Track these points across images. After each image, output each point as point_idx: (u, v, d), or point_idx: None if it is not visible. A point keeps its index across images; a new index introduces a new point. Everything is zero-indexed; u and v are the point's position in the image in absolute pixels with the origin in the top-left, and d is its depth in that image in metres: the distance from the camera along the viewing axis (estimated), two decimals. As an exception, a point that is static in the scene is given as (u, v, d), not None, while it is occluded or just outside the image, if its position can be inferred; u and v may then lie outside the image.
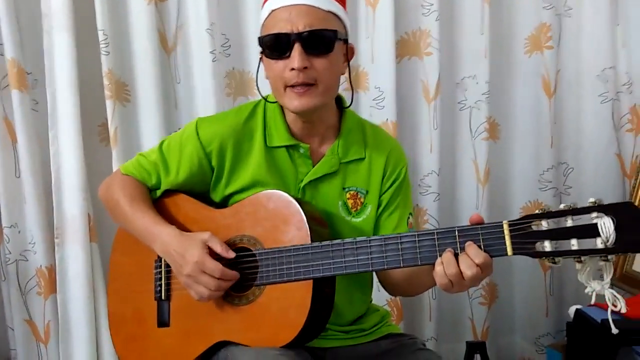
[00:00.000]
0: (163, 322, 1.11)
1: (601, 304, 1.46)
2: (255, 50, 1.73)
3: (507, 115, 1.91)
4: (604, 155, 1.86)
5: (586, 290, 0.81)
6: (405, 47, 1.82)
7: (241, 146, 1.10)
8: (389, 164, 1.15)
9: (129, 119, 1.69)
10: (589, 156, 1.88)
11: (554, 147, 1.86)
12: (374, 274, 1.17)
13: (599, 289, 0.79)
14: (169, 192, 1.15)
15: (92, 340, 1.66)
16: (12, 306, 1.69)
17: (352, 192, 1.13)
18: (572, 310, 1.45)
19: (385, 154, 1.15)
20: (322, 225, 1.06)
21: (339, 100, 1.16)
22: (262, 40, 1.04)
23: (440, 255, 0.89)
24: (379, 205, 1.14)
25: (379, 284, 1.80)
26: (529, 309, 1.96)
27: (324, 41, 1.01)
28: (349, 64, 1.10)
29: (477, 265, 0.86)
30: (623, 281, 1.62)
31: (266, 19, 1.05)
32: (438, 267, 0.89)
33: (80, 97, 1.62)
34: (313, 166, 1.11)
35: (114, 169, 1.64)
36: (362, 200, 1.13)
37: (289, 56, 1.00)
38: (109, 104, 1.64)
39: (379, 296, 1.75)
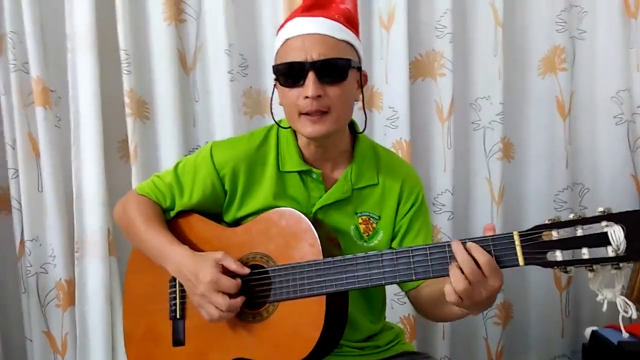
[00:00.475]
0: (178, 341, 1.11)
1: (617, 325, 1.46)
2: (271, 69, 1.79)
3: (522, 136, 1.91)
4: (619, 176, 1.86)
5: (598, 298, 0.81)
6: (419, 68, 1.84)
7: (254, 171, 1.12)
8: (404, 189, 1.15)
9: (148, 136, 1.73)
10: (605, 177, 1.88)
11: (569, 168, 1.86)
12: (404, 295, 1.18)
13: (611, 297, 0.79)
14: (182, 213, 1.17)
15: (108, 353, 1.69)
16: (32, 318, 1.72)
17: (364, 217, 1.13)
18: (588, 331, 1.44)
19: (400, 179, 1.15)
20: (334, 243, 1.07)
21: (351, 125, 1.17)
22: (276, 69, 1.06)
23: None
24: (396, 232, 1.14)
25: (392, 301, 1.83)
26: (544, 329, 1.94)
27: (338, 70, 1.02)
28: (362, 91, 1.11)
29: (480, 268, 0.84)
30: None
31: (280, 47, 1.06)
32: (447, 285, 0.87)
33: (102, 114, 1.67)
34: (325, 191, 1.12)
35: (133, 185, 1.69)
36: (374, 225, 1.14)
37: (302, 84, 1.01)
38: (129, 121, 1.68)
39: (393, 314, 1.77)
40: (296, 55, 1.01)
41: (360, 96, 1.11)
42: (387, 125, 1.81)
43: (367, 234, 1.13)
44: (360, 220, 1.13)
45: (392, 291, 1.84)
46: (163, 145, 1.74)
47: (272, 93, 1.12)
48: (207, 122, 1.78)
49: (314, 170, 1.11)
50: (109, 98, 1.71)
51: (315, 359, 1.00)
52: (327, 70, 1.01)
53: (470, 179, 1.92)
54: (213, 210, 1.16)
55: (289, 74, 1.03)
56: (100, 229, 1.67)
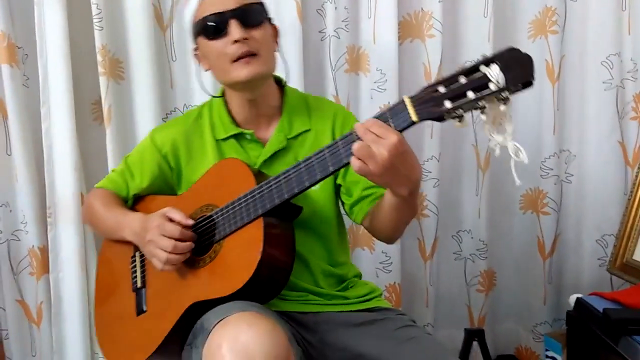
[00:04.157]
0: (141, 309, 1.12)
1: (602, 293, 1.46)
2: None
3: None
4: (606, 143, 1.84)
5: (490, 144, 0.83)
6: (407, 29, 1.78)
7: (192, 144, 1.20)
8: (336, 124, 1.20)
9: (123, 97, 1.64)
10: (592, 144, 1.85)
11: (557, 134, 1.83)
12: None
13: (502, 141, 0.82)
14: (139, 198, 1.25)
15: (84, 321, 1.64)
16: (4, 286, 1.66)
17: None
18: (572, 298, 1.44)
19: (330, 119, 1.20)
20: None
21: (279, 81, 1.23)
22: (198, 25, 1.11)
23: None
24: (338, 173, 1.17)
25: (377, 269, 1.82)
26: (526, 297, 1.94)
27: (256, 14, 1.11)
28: (278, 43, 1.19)
29: (372, 131, 0.87)
30: (623, 270, 1.60)
31: (197, 9, 1.12)
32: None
33: (73, 73, 1.57)
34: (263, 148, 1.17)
35: (108, 148, 1.62)
36: None
37: (227, 33, 1.07)
38: (102, 80, 1.59)
39: (378, 282, 1.76)
40: (215, 8, 1.08)
41: (276, 46, 1.18)
42: (374, 88, 1.75)
43: None
44: None
45: (377, 259, 1.82)
46: (139, 107, 1.66)
47: (197, 66, 1.19)
48: (185, 83, 1.70)
49: (246, 131, 1.17)
50: (80, 56, 1.61)
51: (265, 289, 1.00)
52: (247, 16, 1.08)
53: (456, 145, 1.88)
54: (167, 191, 1.23)
55: (212, 26, 1.09)
56: (73, 194, 1.60)
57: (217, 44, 1.09)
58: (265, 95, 1.17)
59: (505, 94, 0.79)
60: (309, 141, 1.18)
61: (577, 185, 1.88)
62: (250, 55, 1.08)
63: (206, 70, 1.18)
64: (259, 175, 1.07)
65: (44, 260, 1.65)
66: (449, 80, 0.83)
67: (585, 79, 1.84)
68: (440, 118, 0.84)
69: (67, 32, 1.55)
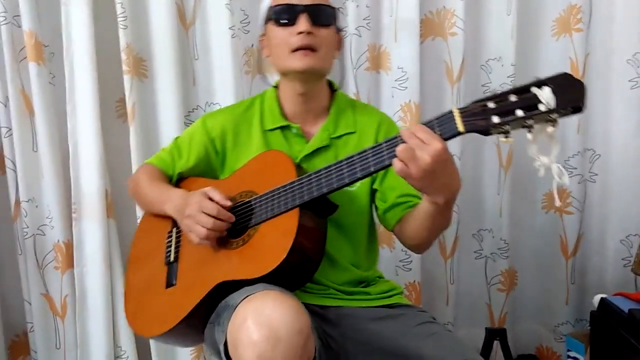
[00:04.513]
0: (170, 283, 1.13)
1: (627, 293, 1.44)
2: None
3: (533, 99, 1.85)
4: (631, 142, 1.81)
5: (535, 164, 0.84)
6: (429, 27, 1.77)
7: (240, 132, 1.23)
8: (380, 131, 1.22)
9: (146, 95, 1.66)
10: (617, 143, 1.83)
11: (581, 133, 1.80)
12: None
13: (547, 163, 0.83)
14: (182, 179, 1.28)
15: (108, 315, 1.67)
16: (30, 280, 1.69)
17: None
18: (596, 299, 1.42)
19: (375, 123, 1.23)
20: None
21: (330, 85, 1.26)
22: (271, 11, 1.16)
23: None
24: (376, 176, 1.19)
25: (397, 267, 1.81)
26: (548, 296, 1.92)
27: (327, 15, 1.15)
28: (339, 51, 1.23)
29: (417, 136, 0.89)
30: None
31: None
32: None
33: (98, 71, 1.60)
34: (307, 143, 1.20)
35: (132, 145, 1.64)
36: None
37: (294, 24, 1.12)
38: (126, 79, 1.61)
39: (398, 280, 1.76)
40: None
41: (337, 54, 1.23)
42: (394, 87, 1.75)
43: None
44: None
45: (397, 258, 1.81)
46: (162, 105, 1.67)
47: (260, 53, 1.21)
48: (207, 81, 1.71)
49: (293, 125, 1.20)
50: (105, 54, 1.63)
51: (292, 278, 1.01)
52: (318, 14, 1.13)
53: (479, 144, 1.86)
54: (210, 175, 1.26)
55: (284, 14, 1.13)
56: (97, 191, 1.62)
57: (283, 32, 1.13)
58: (316, 93, 1.21)
59: (554, 115, 0.80)
60: (351, 143, 1.20)
61: (601, 185, 1.86)
62: (310, 49, 1.12)
63: (266, 57, 1.21)
64: (298, 168, 1.10)
65: (68, 255, 1.67)
66: (499, 97, 0.84)
67: (610, 77, 1.81)
68: (486, 131, 0.86)
69: (92, 31, 1.57)
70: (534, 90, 0.81)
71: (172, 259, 1.16)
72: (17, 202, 1.67)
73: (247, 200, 1.11)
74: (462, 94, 1.77)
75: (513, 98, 0.83)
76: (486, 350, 1.63)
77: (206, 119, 1.27)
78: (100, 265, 1.65)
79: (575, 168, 1.82)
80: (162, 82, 1.66)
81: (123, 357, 1.70)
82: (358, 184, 1.16)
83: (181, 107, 1.67)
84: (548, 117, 0.80)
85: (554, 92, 0.79)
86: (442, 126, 0.89)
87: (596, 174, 1.86)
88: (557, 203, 0.88)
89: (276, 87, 1.25)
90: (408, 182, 0.91)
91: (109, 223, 1.66)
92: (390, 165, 0.92)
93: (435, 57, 1.78)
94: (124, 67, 1.61)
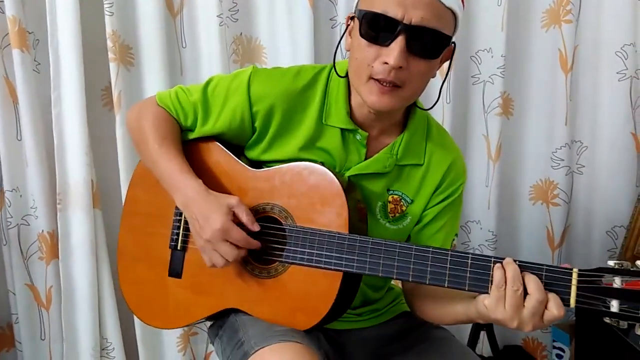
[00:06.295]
0: (175, 272, 1.05)
1: (609, 284, 1.45)
2: (264, 16, 1.69)
3: (522, 91, 1.86)
4: (619, 134, 1.82)
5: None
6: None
7: (291, 116, 0.99)
8: (447, 177, 1.03)
9: (133, 83, 1.64)
10: (604, 135, 1.84)
11: (569, 125, 1.81)
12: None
13: None
14: (201, 137, 1.07)
15: (94, 306, 1.65)
16: (14, 270, 1.67)
17: (395, 197, 1.03)
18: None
19: (445, 165, 1.03)
20: (361, 214, 0.98)
21: None
22: (362, 15, 0.88)
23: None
24: (420, 219, 1.05)
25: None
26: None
27: (432, 45, 0.88)
28: (445, 64, 0.99)
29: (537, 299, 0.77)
30: (634, 262, 1.59)
31: None
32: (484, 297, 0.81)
33: (84, 59, 1.57)
34: (366, 158, 1.01)
35: (117, 135, 1.61)
36: (403, 208, 1.03)
37: (387, 45, 0.86)
38: (112, 66, 1.58)
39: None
40: (392, 9, 0.85)
41: (437, 70, 0.96)
42: (384, 76, 1.73)
43: (393, 214, 1.03)
44: (390, 199, 1.03)
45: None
46: (148, 93, 1.64)
47: (344, 32, 0.97)
48: (195, 69, 1.69)
49: (360, 132, 0.99)
50: (90, 42, 1.60)
51: (316, 329, 0.97)
52: (420, 41, 0.86)
53: (467, 135, 1.87)
54: (234, 142, 1.05)
55: (376, 27, 0.87)
56: (83, 180, 1.60)
57: (368, 49, 0.88)
58: (393, 112, 0.99)
59: None
60: (414, 179, 1.03)
61: (588, 177, 1.87)
62: (394, 85, 0.89)
63: (347, 49, 0.96)
64: (349, 187, 0.95)
65: (53, 245, 1.65)
66: (633, 274, 0.75)
67: (598, 69, 1.82)
68: (597, 315, 0.76)
69: (78, 18, 1.54)
70: None
71: (178, 247, 1.05)
72: (1, 191, 1.64)
73: (281, 223, 0.96)
74: (451, 84, 1.76)
75: None
76: (473, 341, 1.64)
77: (253, 81, 0.98)
78: (87, 256, 1.63)
79: (563, 160, 1.83)
80: (149, 70, 1.64)
81: (109, 348, 1.69)
82: (404, 223, 1.04)
83: (168, 96, 1.65)
84: None
85: None
86: (553, 286, 0.78)
87: (583, 166, 1.87)
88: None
89: (346, 75, 0.99)
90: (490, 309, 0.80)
91: (95, 213, 1.64)
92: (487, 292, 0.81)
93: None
94: (110, 55, 1.58)
